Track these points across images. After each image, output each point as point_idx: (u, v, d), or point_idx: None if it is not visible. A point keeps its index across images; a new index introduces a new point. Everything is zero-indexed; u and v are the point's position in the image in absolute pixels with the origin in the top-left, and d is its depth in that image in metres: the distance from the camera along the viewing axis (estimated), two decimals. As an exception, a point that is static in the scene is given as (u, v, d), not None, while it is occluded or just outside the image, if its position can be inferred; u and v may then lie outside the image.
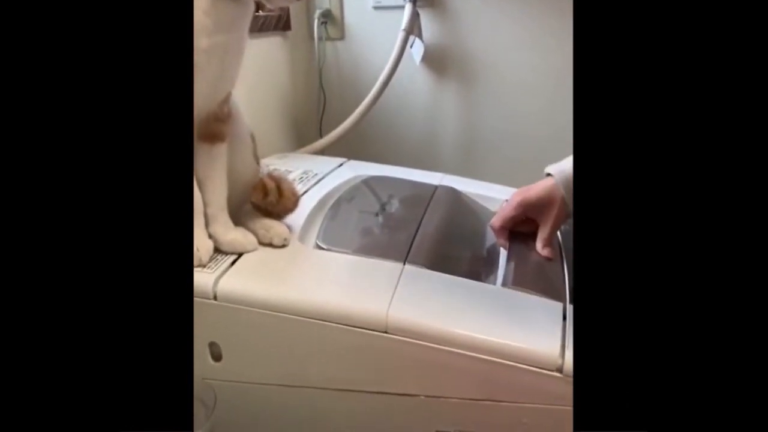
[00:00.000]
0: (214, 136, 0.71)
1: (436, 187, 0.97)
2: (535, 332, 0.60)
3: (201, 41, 0.63)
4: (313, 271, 0.70)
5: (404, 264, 0.70)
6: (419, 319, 0.61)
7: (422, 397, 0.61)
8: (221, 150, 0.72)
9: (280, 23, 1.31)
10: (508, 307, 0.65)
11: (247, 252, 0.71)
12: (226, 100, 0.71)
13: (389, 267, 0.70)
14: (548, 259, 0.75)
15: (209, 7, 0.62)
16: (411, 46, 1.32)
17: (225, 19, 0.64)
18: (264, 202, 0.76)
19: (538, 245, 0.77)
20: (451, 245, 0.82)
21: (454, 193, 0.96)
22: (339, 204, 0.89)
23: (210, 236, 0.71)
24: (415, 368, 0.61)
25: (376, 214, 0.88)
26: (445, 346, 0.59)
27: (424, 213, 0.86)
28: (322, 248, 0.75)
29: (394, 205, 0.91)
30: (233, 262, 0.69)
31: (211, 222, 0.71)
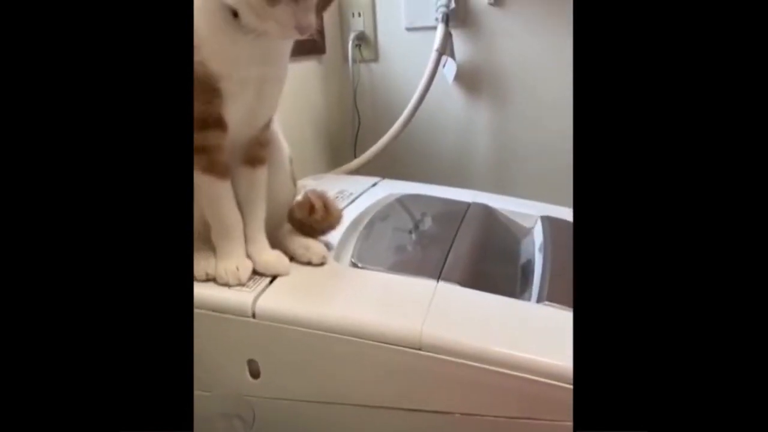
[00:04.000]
0: (255, 161, 0.73)
1: (469, 204, 0.97)
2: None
3: (236, 72, 0.64)
4: (348, 289, 0.71)
5: (438, 281, 0.71)
6: (454, 337, 0.61)
7: (457, 415, 0.61)
8: (262, 173, 0.73)
9: (315, 47, 1.33)
10: (543, 324, 0.65)
11: (281, 275, 0.71)
12: (268, 125, 0.73)
13: (423, 284, 0.70)
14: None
15: (241, 39, 0.62)
16: (443, 66, 1.33)
17: (260, 52, 0.65)
18: (310, 218, 0.78)
19: None
20: (485, 262, 0.82)
21: (487, 210, 0.96)
22: (373, 222, 0.90)
23: (248, 256, 0.72)
24: (450, 386, 0.61)
25: (410, 232, 0.89)
26: (480, 363, 0.59)
27: (458, 230, 0.86)
28: (357, 266, 0.76)
29: (428, 223, 0.92)
30: (271, 281, 0.70)
31: (249, 243, 0.72)
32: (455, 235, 0.84)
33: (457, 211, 0.94)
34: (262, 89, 0.68)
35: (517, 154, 1.38)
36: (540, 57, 1.31)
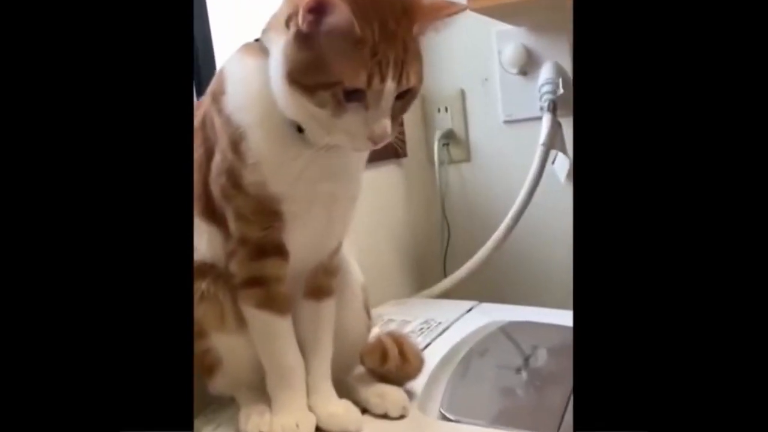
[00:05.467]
0: (321, 292, 0.70)
1: None
2: None
3: (300, 191, 0.63)
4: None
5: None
6: None
7: None
8: (329, 307, 0.71)
9: (393, 151, 1.30)
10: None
11: None
12: (336, 250, 0.71)
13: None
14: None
15: (306, 153, 0.61)
16: (553, 162, 1.27)
17: (328, 167, 0.63)
18: (382, 369, 0.73)
19: None
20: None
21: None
22: (469, 359, 0.84)
23: (311, 408, 0.68)
24: None
25: (518, 371, 0.84)
26: None
27: None
28: (449, 419, 0.69)
29: (541, 358, 0.87)
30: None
31: (311, 392, 0.68)
32: None
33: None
34: (331, 210, 0.66)
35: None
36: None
